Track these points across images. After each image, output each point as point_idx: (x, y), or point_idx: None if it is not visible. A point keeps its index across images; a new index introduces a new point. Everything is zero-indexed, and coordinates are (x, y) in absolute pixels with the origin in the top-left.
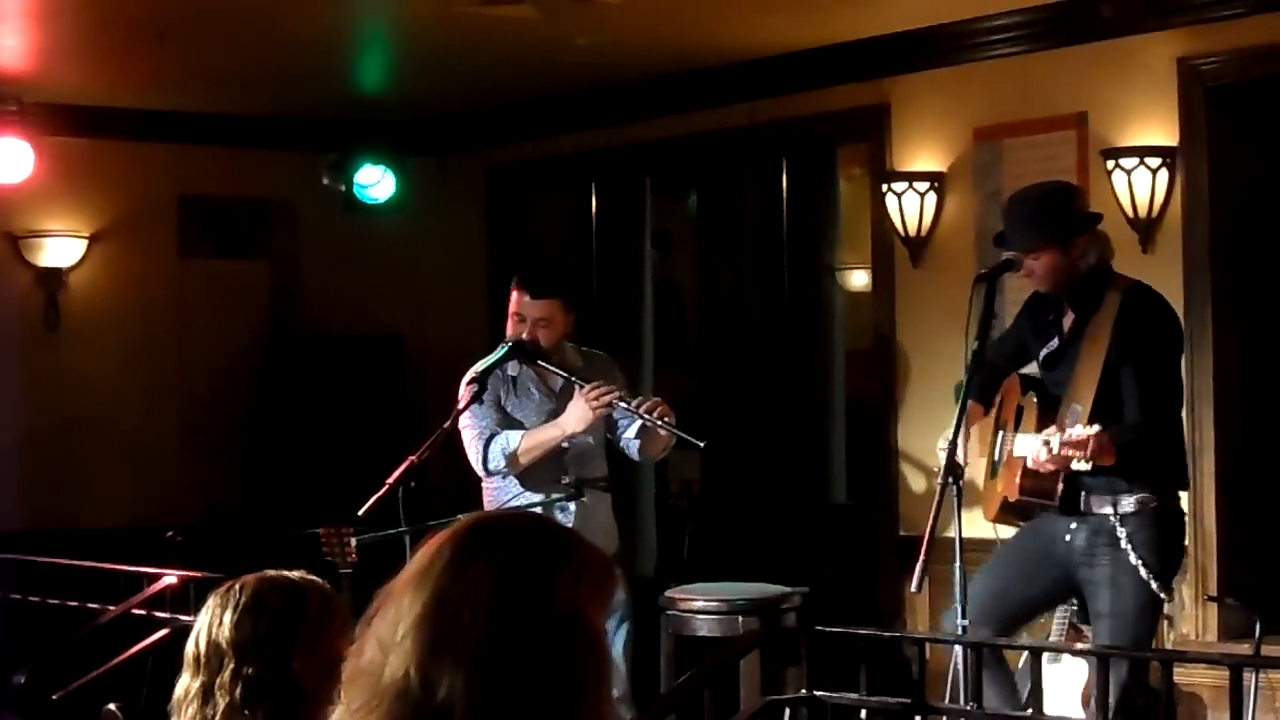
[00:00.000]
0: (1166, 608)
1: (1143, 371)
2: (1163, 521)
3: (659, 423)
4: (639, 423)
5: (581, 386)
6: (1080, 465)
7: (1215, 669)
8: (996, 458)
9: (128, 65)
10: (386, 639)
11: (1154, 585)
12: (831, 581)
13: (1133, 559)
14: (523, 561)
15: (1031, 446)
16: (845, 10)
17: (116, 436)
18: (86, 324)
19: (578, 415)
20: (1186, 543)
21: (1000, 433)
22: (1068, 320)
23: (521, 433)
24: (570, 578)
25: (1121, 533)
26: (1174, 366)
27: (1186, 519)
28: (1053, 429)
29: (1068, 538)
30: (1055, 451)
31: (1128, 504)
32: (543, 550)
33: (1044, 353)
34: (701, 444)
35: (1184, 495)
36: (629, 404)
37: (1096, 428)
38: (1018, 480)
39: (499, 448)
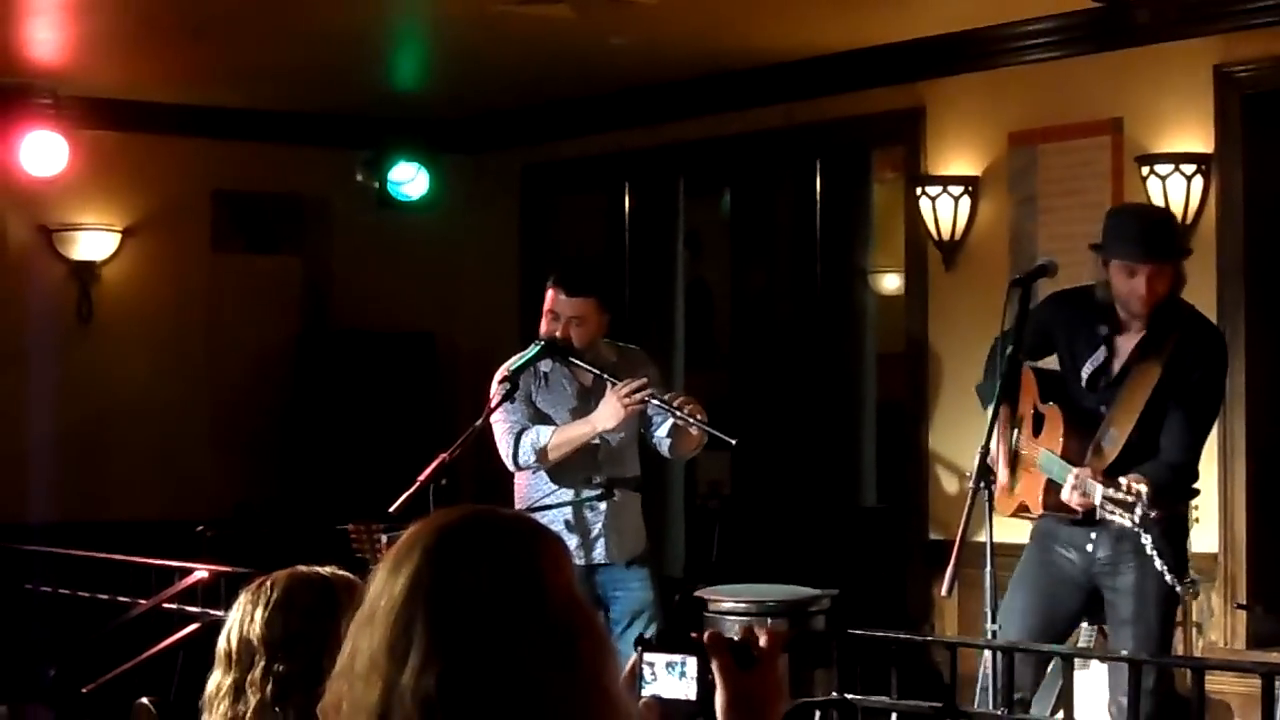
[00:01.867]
0: (1195, 614)
1: (1192, 411)
2: (1178, 526)
3: (691, 420)
4: (671, 420)
5: (614, 384)
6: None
7: (1246, 677)
8: (1013, 452)
9: (163, 60)
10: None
11: (1177, 588)
12: (861, 584)
13: (1158, 564)
14: (506, 564)
15: (1058, 472)
16: (881, 13)
17: (148, 430)
18: (119, 318)
19: (609, 412)
20: (1216, 550)
21: (1015, 431)
22: (1125, 340)
23: (552, 428)
24: (551, 566)
25: (1146, 540)
26: (1220, 404)
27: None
28: (1088, 473)
29: (1089, 547)
30: (1095, 501)
31: (1151, 512)
32: (518, 546)
33: (1090, 367)
34: (733, 441)
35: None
36: (661, 400)
37: (1142, 488)
38: (1040, 496)
39: (529, 442)
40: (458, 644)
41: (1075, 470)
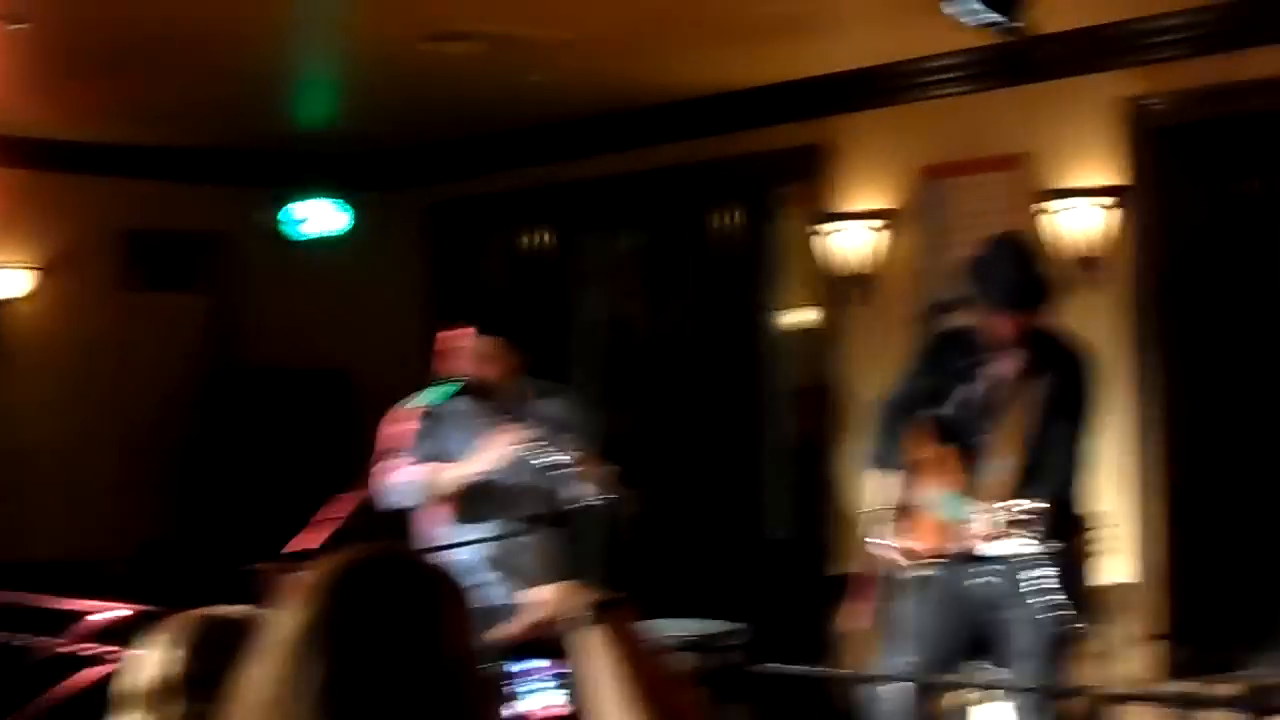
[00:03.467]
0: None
1: (1072, 431)
2: (1073, 560)
3: (571, 469)
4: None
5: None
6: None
7: (1164, 708)
8: (907, 501)
9: (74, 98)
10: (274, 696)
11: (1073, 622)
12: (768, 617)
13: (1055, 597)
14: (405, 608)
15: (958, 508)
16: (789, 50)
17: (55, 469)
18: (31, 356)
19: (497, 454)
20: (1134, 581)
21: (909, 479)
22: (997, 369)
23: (432, 466)
24: (449, 613)
25: (1043, 572)
26: (1096, 423)
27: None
28: (989, 503)
29: (988, 580)
30: (996, 529)
31: (1048, 545)
32: (419, 591)
33: (969, 400)
34: (601, 501)
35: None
36: (547, 448)
37: (1043, 505)
38: (940, 536)
39: (411, 478)
40: (350, 683)
41: (973, 503)
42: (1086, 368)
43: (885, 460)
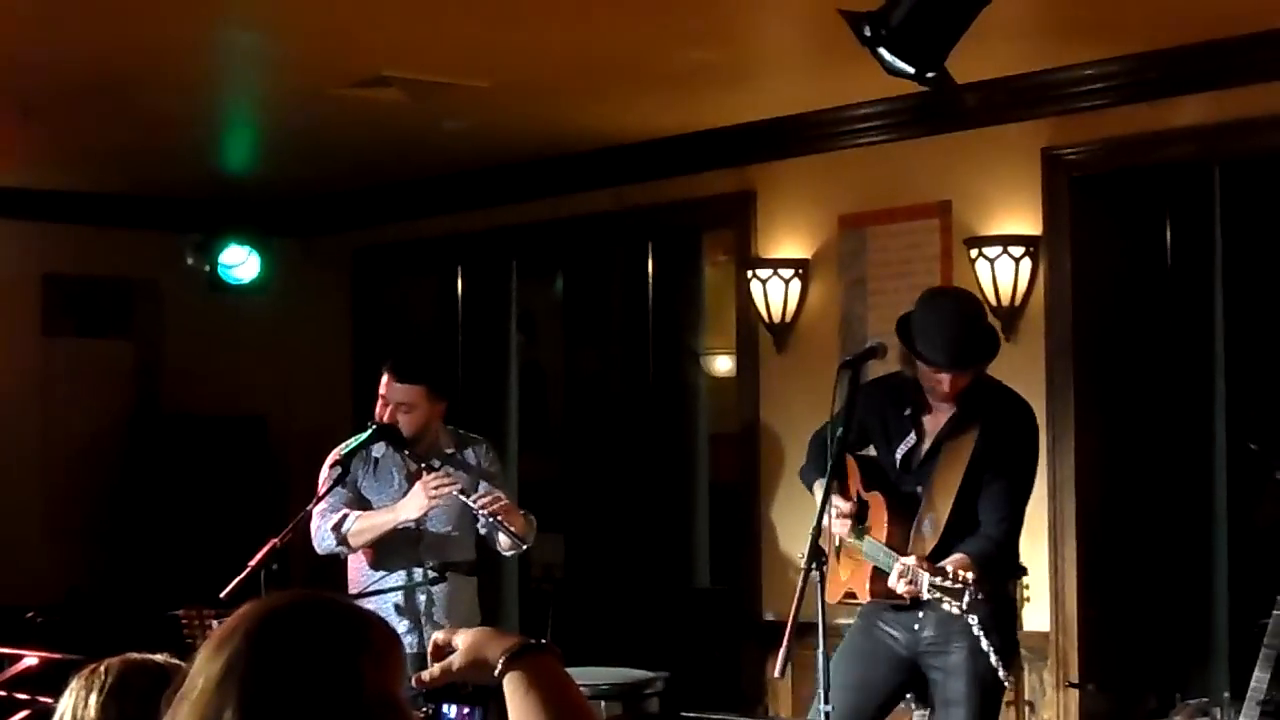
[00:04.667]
0: (1027, 693)
1: (1008, 484)
2: (1005, 607)
3: (488, 519)
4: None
5: (431, 473)
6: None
7: None
8: (836, 542)
9: None
10: None
11: (1001, 671)
12: (695, 665)
13: (984, 644)
14: (324, 654)
15: (883, 560)
16: (711, 97)
17: None
18: None
19: (413, 504)
20: (1048, 629)
21: (841, 519)
22: (934, 419)
23: (357, 514)
24: (372, 661)
25: (973, 620)
26: (1033, 475)
27: (1048, 604)
28: (914, 562)
29: (916, 627)
30: (923, 593)
31: (979, 596)
32: (341, 638)
33: (901, 450)
34: (524, 545)
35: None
36: (467, 497)
37: (970, 575)
38: (868, 584)
39: (329, 525)
40: None
41: (901, 560)
42: (1023, 420)
43: (812, 477)
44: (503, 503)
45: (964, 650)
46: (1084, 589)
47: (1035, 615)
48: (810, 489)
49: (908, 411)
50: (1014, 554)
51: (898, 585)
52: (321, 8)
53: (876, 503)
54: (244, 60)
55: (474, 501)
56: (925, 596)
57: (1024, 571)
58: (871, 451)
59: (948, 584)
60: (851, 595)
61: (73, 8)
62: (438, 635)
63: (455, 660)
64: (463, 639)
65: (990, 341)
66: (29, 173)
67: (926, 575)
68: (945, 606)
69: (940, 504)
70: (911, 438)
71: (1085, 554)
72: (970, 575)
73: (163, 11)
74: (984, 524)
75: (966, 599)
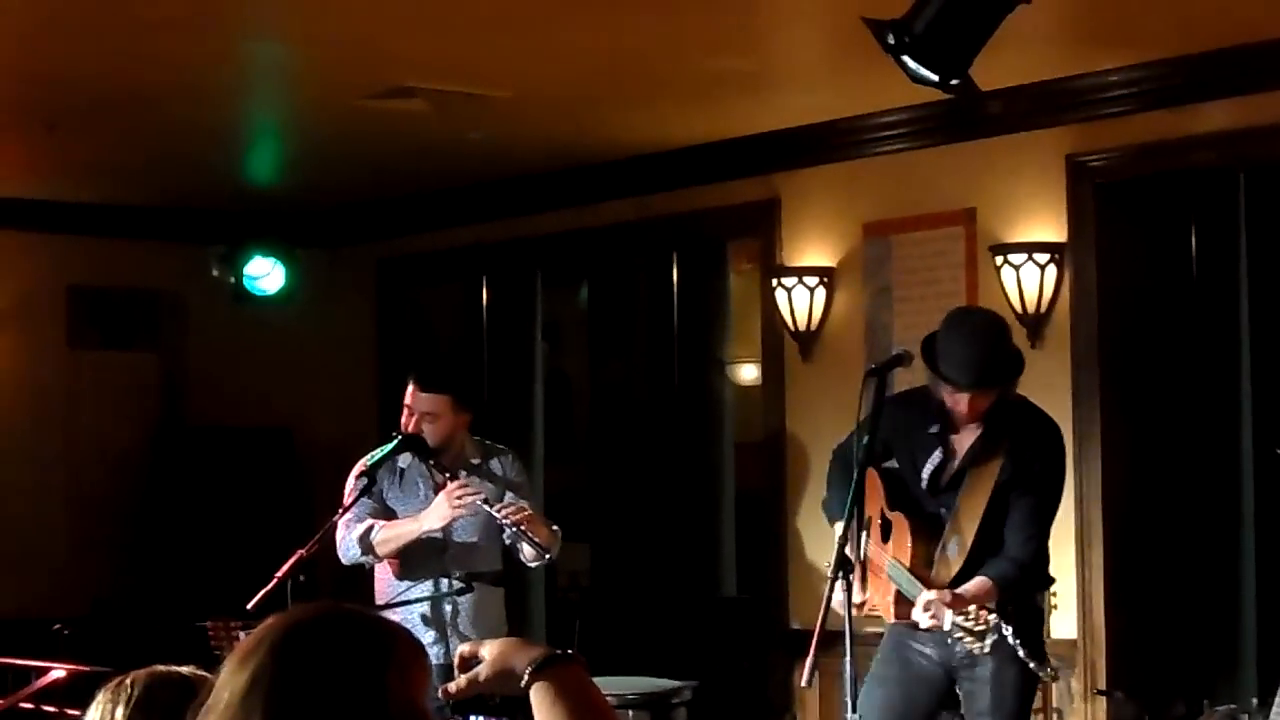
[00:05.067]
0: (1055, 700)
1: (1034, 505)
2: (1032, 617)
3: (512, 529)
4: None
5: (455, 483)
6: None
7: None
8: (861, 556)
9: (17, 155)
10: None
11: (1041, 674)
12: (722, 674)
13: (1020, 652)
14: (350, 667)
15: (906, 586)
16: (737, 106)
17: (3, 528)
18: None
19: (437, 513)
20: (1075, 637)
21: (865, 535)
22: (961, 439)
23: (381, 524)
24: (397, 673)
25: (1008, 630)
26: (1060, 495)
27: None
28: (938, 596)
29: (949, 641)
30: (945, 627)
31: (1000, 632)
32: (366, 650)
33: (929, 469)
34: (547, 556)
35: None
36: (490, 507)
37: (994, 620)
38: (892, 607)
39: (355, 536)
40: None
41: (926, 594)
42: (1050, 442)
43: (836, 512)
44: (526, 513)
45: (995, 659)
46: (1111, 596)
47: (1062, 623)
48: (831, 524)
49: (935, 428)
50: (1043, 568)
51: (922, 619)
52: (346, 19)
53: (900, 523)
54: (268, 72)
55: (498, 511)
56: (947, 630)
57: (1052, 582)
58: (900, 470)
59: (970, 624)
60: (875, 612)
61: (98, 21)
62: (464, 647)
63: (482, 671)
64: (489, 650)
65: (1013, 364)
66: (54, 185)
67: (950, 613)
68: (966, 644)
69: (966, 527)
70: (938, 455)
71: (1112, 561)
72: (993, 617)
73: (188, 24)
74: (1009, 545)
75: (989, 641)
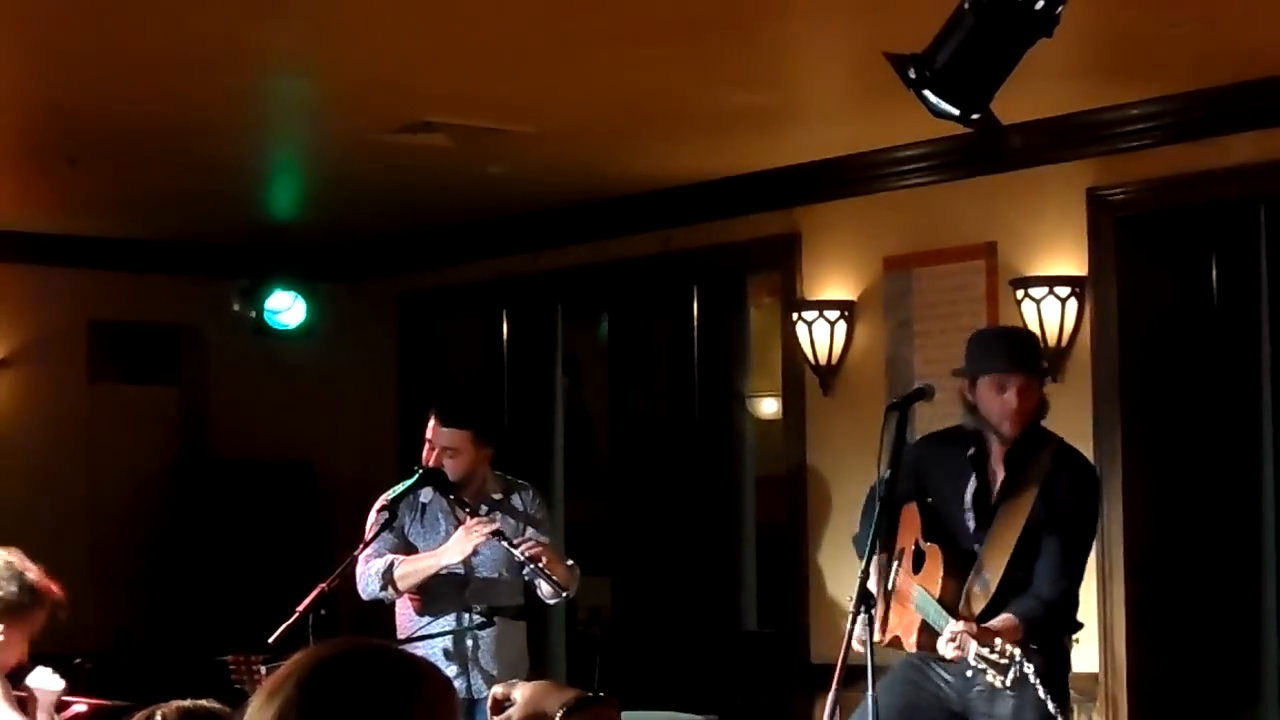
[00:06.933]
0: None
1: (1065, 544)
2: (1058, 659)
3: (530, 565)
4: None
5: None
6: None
7: None
8: (889, 585)
9: (39, 190)
10: None
11: (1055, 713)
12: (743, 708)
13: (1040, 693)
14: (377, 704)
15: (933, 616)
16: (756, 140)
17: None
18: None
19: (456, 547)
20: (1097, 670)
21: (895, 565)
22: (997, 472)
23: (401, 558)
24: (424, 712)
25: (1030, 669)
26: (1092, 536)
27: (1097, 646)
28: (963, 628)
29: (969, 674)
30: (969, 659)
31: (1023, 667)
32: (394, 688)
33: (970, 493)
34: (564, 594)
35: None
36: (509, 542)
37: (1018, 655)
38: (915, 636)
39: (376, 570)
40: None
41: (953, 625)
42: (1085, 482)
43: (865, 547)
44: (543, 549)
45: (1015, 697)
46: (1133, 630)
47: (1084, 657)
48: (860, 558)
49: (971, 450)
50: (1071, 611)
51: (946, 649)
52: (367, 55)
53: (934, 555)
54: (289, 107)
55: (515, 546)
56: (971, 662)
57: (1079, 627)
58: (935, 502)
59: (994, 657)
60: (897, 642)
61: (120, 57)
62: (497, 689)
63: (514, 714)
64: (521, 693)
65: (1041, 353)
66: (76, 220)
67: (975, 644)
68: (989, 678)
69: (995, 564)
70: (974, 481)
71: (1134, 595)
72: (1017, 652)
73: (210, 60)
74: (1037, 584)
75: (1011, 675)
